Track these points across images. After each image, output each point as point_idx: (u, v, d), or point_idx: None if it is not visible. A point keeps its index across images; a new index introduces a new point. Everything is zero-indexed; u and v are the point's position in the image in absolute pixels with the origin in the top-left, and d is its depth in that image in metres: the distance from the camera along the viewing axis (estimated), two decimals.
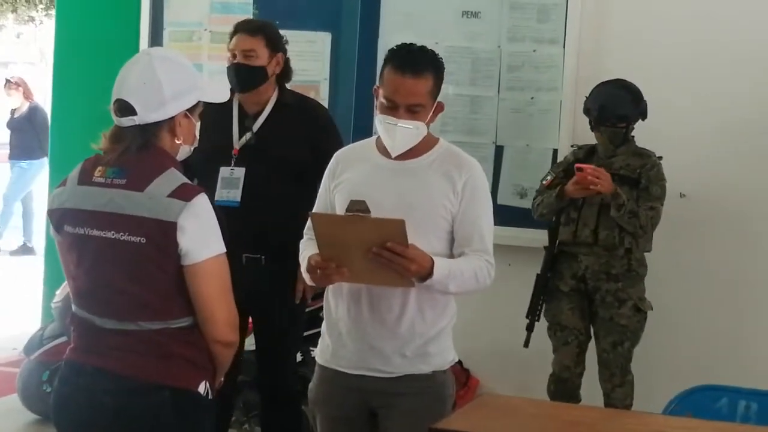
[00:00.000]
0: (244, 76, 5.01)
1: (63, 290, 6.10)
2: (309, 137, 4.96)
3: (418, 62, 3.62)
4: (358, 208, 3.45)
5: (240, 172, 5.00)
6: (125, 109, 3.22)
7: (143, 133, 3.22)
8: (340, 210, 3.67)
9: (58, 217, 3.29)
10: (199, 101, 3.33)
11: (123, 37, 6.65)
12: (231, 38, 5.08)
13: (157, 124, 3.24)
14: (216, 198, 4.98)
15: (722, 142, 5.79)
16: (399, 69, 3.60)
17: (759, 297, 5.82)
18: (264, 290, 4.96)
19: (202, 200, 3.20)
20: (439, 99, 3.73)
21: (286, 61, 5.10)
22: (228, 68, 5.05)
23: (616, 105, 5.38)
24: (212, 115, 5.11)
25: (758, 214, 5.80)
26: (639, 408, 5.22)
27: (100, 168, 3.24)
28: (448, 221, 3.66)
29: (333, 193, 3.77)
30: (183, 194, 3.17)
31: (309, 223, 3.78)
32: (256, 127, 5.04)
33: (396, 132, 3.63)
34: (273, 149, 4.95)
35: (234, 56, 5.02)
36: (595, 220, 5.33)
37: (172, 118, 3.25)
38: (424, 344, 3.70)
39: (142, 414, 3.18)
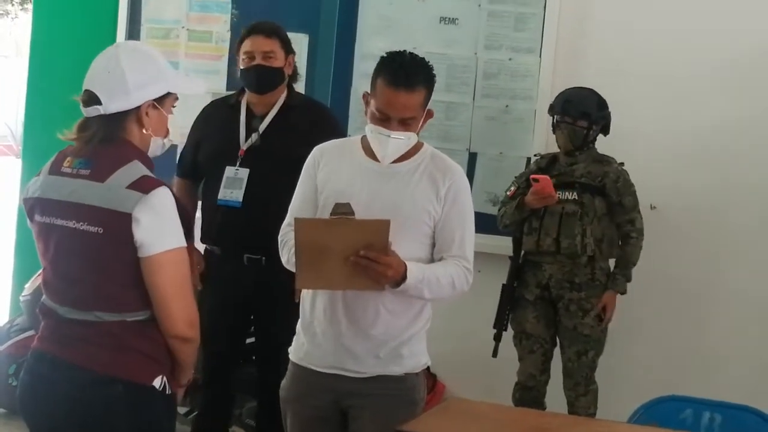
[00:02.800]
0: (265, 78, 5.09)
1: (32, 284, 6.09)
2: (314, 139, 4.97)
3: (411, 76, 3.60)
4: (343, 211, 3.47)
5: (244, 173, 5.05)
6: (90, 99, 3.24)
7: (108, 123, 3.24)
8: (323, 206, 3.68)
9: (30, 206, 3.32)
10: (169, 93, 3.33)
11: (100, 33, 6.63)
12: (242, 40, 5.13)
13: (123, 115, 3.25)
14: (219, 197, 5.05)
15: (694, 154, 5.82)
16: (392, 84, 3.59)
17: (724, 309, 5.84)
18: (265, 291, 4.99)
19: (161, 192, 3.19)
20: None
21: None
22: (245, 70, 5.10)
23: (580, 102, 5.43)
24: (221, 115, 5.22)
25: (724, 226, 5.83)
26: (602, 418, 5.24)
27: (68, 158, 3.26)
28: (430, 226, 3.68)
29: (316, 183, 3.76)
30: (141, 186, 3.17)
31: (289, 212, 3.82)
32: (261, 128, 5.10)
33: (389, 143, 3.63)
34: (277, 151, 4.98)
35: (252, 58, 5.06)
36: (556, 229, 5.38)
37: (138, 108, 3.26)
38: (397, 346, 3.72)
39: (96, 406, 3.19)
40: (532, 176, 5.34)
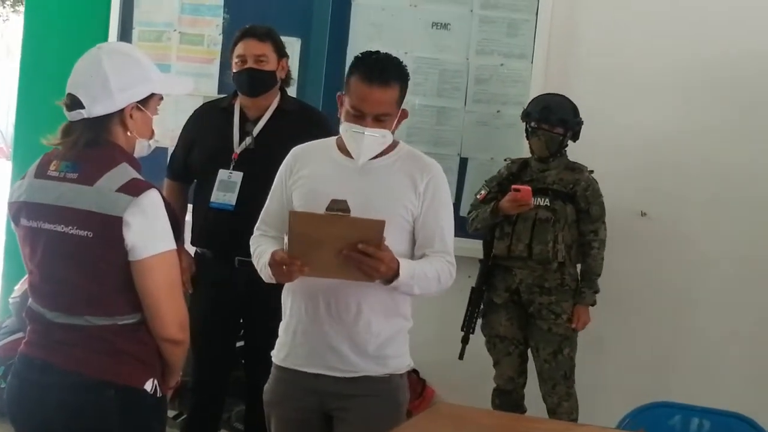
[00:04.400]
0: (257, 81, 5.10)
1: (21, 286, 6.08)
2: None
3: (385, 72, 3.63)
4: (339, 207, 3.46)
5: (237, 176, 5.06)
6: (74, 102, 3.22)
7: (92, 126, 3.22)
8: (299, 203, 3.71)
9: (15, 210, 3.30)
10: (153, 94, 3.31)
11: (92, 35, 6.60)
12: (235, 44, 5.15)
13: (107, 118, 3.23)
14: (212, 200, 5.07)
15: (684, 160, 5.84)
16: (366, 79, 3.61)
17: (713, 315, 5.86)
18: (255, 294, 5.00)
19: (151, 196, 3.18)
20: (403, 107, 3.75)
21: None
22: (237, 73, 5.13)
23: (559, 109, 5.45)
24: (213, 118, 5.23)
25: (712, 232, 5.84)
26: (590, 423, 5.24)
27: (54, 162, 3.24)
28: (409, 222, 3.69)
29: (291, 189, 3.78)
30: (131, 189, 3.15)
31: (262, 218, 3.85)
32: (255, 131, 5.11)
33: (363, 140, 3.64)
34: (271, 154, 4.98)
35: (244, 62, 5.08)
36: (529, 235, 5.39)
37: (122, 110, 3.24)
38: (381, 345, 3.72)
39: (87, 410, 3.18)
40: (513, 186, 5.34)
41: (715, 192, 5.81)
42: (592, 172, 5.47)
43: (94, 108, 3.21)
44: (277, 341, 3.86)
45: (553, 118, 5.42)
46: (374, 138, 3.65)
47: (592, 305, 5.42)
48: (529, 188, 5.31)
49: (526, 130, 5.52)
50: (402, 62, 3.73)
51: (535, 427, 3.95)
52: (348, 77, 3.68)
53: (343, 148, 3.75)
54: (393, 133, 3.72)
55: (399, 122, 3.74)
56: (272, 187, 3.90)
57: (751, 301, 5.80)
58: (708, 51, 5.78)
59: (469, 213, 5.59)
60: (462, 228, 5.71)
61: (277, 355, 3.85)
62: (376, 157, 3.71)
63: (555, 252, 5.37)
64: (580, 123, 5.48)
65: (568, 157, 5.52)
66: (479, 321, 5.58)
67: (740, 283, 5.81)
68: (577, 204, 5.41)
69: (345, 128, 3.69)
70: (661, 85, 5.83)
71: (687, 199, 5.84)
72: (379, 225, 3.40)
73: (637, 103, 5.85)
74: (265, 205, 3.90)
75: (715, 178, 5.81)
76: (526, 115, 5.52)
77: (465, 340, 5.55)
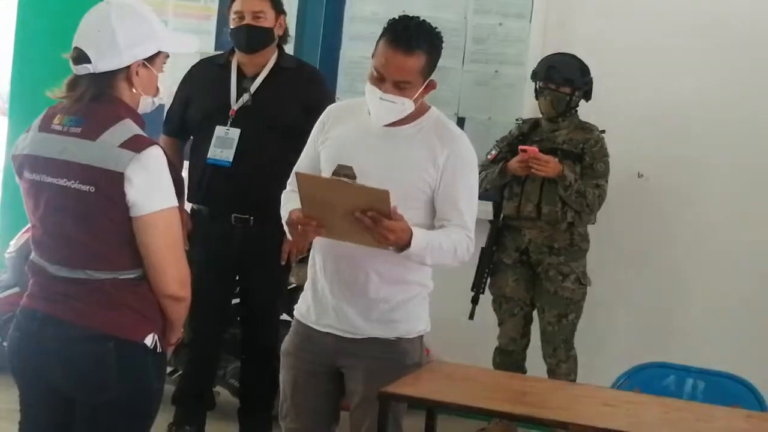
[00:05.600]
0: (254, 38, 5.10)
1: (17, 240, 6.06)
2: (304, 101, 4.98)
3: (412, 39, 3.56)
4: (345, 173, 3.46)
5: (235, 132, 5.06)
6: (80, 57, 3.20)
7: (98, 81, 3.21)
8: (324, 165, 3.68)
9: (18, 163, 3.30)
10: (160, 51, 3.30)
11: None
12: (232, 0, 5.15)
13: (113, 74, 3.22)
14: (209, 156, 5.07)
15: (680, 123, 5.83)
16: (392, 43, 3.56)
17: (708, 277, 5.87)
18: (251, 250, 5.01)
19: (153, 152, 3.17)
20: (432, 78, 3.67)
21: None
22: (235, 29, 5.12)
23: (564, 68, 5.43)
24: (211, 75, 5.23)
25: (708, 194, 5.85)
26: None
27: (59, 116, 3.24)
28: (426, 193, 3.64)
29: (319, 148, 3.75)
30: (134, 145, 3.14)
31: (293, 175, 3.77)
32: (253, 88, 5.11)
33: (380, 105, 3.60)
34: (268, 111, 4.99)
35: (241, 18, 5.08)
36: (538, 195, 5.39)
37: (128, 67, 3.23)
38: (389, 310, 3.71)
39: (86, 362, 3.18)
40: (520, 147, 5.33)
41: (710, 153, 5.81)
42: (603, 132, 5.45)
43: (101, 63, 3.20)
44: (302, 295, 3.87)
45: (558, 77, 5.40)
46: (391, 104, 3.59)
47: (561, 178, 5.28)
48: (536, 148, 5.29)
49: (535, 90, 5.50)
50: (438, 33, 3.66)
51: (529, 385, 3.96)
52: (379, 38, 3.62)
53: None
54: (416, 102, 3.64)
55: (425, 92, 3.67)
56: (307, 142, 3.85)
57: (746, 261, 5.80)
58: (705, 10, 5.77)
59: (479, 173, 5.56)
60: None
61: (298, 309, 3.86)
62: (402, 123, 3.66)
63: (564, 212, 5.36)
64: (588, 82, 5.46)
65: (580, 117, 5.49)
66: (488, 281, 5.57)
67: (736, 245, 5.81)
68: (583, 160, 5.39)
69: (367, 90, 3.64)
70: (662, 46, 5.81)
71: (686, 161, 5.85)
72: (384, 195, 3.37)
73: (637, 63, 5.83)
74: (299, 160, 3.85)
75: (712, 139, 5.81)
76: (533, 75, 5.51)
77: (475, 301, 5.56)
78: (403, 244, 3.47)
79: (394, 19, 3.66)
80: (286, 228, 3.65)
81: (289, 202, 3.72)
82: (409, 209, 3.51)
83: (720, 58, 5.77)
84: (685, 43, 5.79)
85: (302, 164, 3.81)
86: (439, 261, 3.63)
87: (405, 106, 3.61)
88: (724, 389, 4.17)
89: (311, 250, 3.84)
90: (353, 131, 3.70)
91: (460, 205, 3.66)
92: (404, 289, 3.74)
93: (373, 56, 3.64)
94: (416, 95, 3.62)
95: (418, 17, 3.66)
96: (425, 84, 3.64)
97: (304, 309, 3.82)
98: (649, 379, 4.22)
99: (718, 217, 5.85)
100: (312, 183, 3.49)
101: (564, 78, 5.41)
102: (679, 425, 3.53)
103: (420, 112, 3.69)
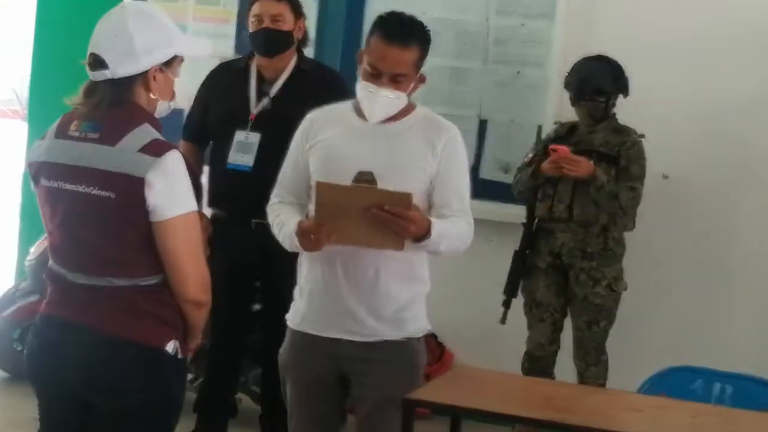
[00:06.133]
0: (273, 41, 5.09)
1: (37, 248, 6.07)
2: (324, 104, 4.95)
3: (405, 33, 3.64)
4: (366, 178, 3.49)
5: (255, 137, 5.06)
6: (97, 62, 3.19)
7: (116, 87, 3.19)
8: (316, 168, 3.70)
9: (35, 170, 3.28)
10: (176, 56, 3.28)
11: None
12: (251, 4, 5.15)
13: (130, 79, 3.20)
14: (228, 161, 5.07)
15: (708, 124, 5.79)
16: (386, 38, 3.62)
17: (738, 281, 5.82)
18: (271, 256, 4.97)
19: (173, 157, 3.16)
20: (422, 72, 3.73)
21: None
22: (254, 33, 5.11)
23: (596, 79, 5.37)
24: (230, 79, 5.22)
25: (738, 197, 5.80)
26: (613, 388, 5.22)
27: (75, 122, 3.22)
28: (425, 183, 3.67)
29: (307, 154, 3.77)
30: (154, 149, 3.13)
31: (278, 184, 3.85)
32: (273, 92, 5.10)
33: (377, 100, 3.65)
34: (289, 115, 4.95)
35: (260, 21, 5.07)
36: (570, 196, 5.34)
37: (146, 72, 3.21)
38: (398, 309, 3.71)
39: (107, 369, 3.16)
40: (551, 146, 5.29)
41: (741, 153, 5.76)
42: (642, 136, 5.39)
43: (119, 69, 3.19)
44: (292, 305, 3.86)
45: (591, 90, 5.36)
46: (388, 99, 3.65)
47: (593, 179, 5.23)
48: (567, 148, 5.24)
49: (570, 98, 5.45)
50: (425, 26, 3.73)
51: (554, 390, 3.94)
52: (369, 35, 3.69)
53: (360, 112, 3.75)
54: (409, 96, 3.71)
55: (416, 87, 3.74)
56: (288, 152, 3.87)
57: None
58: (732, 7, 5.72)
59: (515, 176, 5.54)
60: (481, 191, 5.69)
61: (293, 320, 3.84)
62: (393, 120, 3.71)
63: (597, 215, 5.31)
64: (623, 85, 5.40)
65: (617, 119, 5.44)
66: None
67: (765, 248, 5.76)
68: (619, 163, 5.34)
69: (361, 87, 3.69)
70: (684, 44, 5.77)
71: (712, 162, 5.79)
72: (407, 197, 3.42)
73: (661, 64, 5.78)
74: (281, 171, 3.89)
75: (742, 139, 5.76)
76: (566, 85, 5.46)
77: (507, 304, 5.52)
78: (422, 234, 3.49)
79: (382, 15, 3.73)
80: (295, 239, 3.63)
81: (283, 212, 3.75)
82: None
83: (749, 58, 5.71)
84: (709, 44, 5.74)
85: (287, 176, 3.85)
86: (450, 248, 3.66)
87: (400, 100, 3.68)
88: (753, 394, 4.14)
89: (299, 258, 3.81)
90: (342, 133, 3.74)
91: (460, 189, 3.72)
92: (411, 286, 3.75)
93: (363, 52, 3.70)
94: (410, 89, 3.68)
95: (404, 12, 3.73)
96: (417, 78, 3.70)
97: (299, 318, 3.81)
98: (675, 383, 4.19)
99: (751, 219, 5.80)
100: (332, 191, 3.50)
101: (597, 89, 5.36)
102: (706, 430, 3.50)
103: (408, 109, 3.75)
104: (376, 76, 3.63)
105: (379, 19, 3.71)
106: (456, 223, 3.64)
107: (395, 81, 3.63)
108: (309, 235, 3.54)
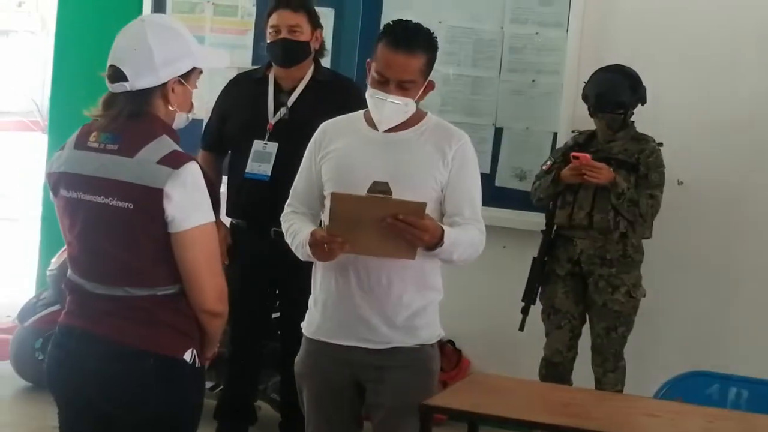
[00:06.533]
0: (290, 52, 5.13)
1: (58, 258, 6.11)
2: (341, 114, 4.98)
3: (412, 39, 3.66)
4: (380, 189, 3.49)
5: (273, 147, 5.09)
6: (117, 75, 3.21)
7: (135, 99, 3.21)
8: (328, 177, 3.74)
9: (54, 181, 3.31)
10: (194, 68, 3.30)
11: (126, 7, 6.61)
12: (269, 15, 5.18)
13: (149, 91, 3.22)
14: (246, 170, 5.10)
15: (723, 130, 5.77)
16: (393, 45, 3.64)
17: (754, 286, 5.81)
18: (290, 264, 5.00)
19: (191, 168, 3.18)
20: (432, 78, 3.76)
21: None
22: (271, 44, 5.15)
23: (614, 92, 5.38)
24: (248, 89, 5.25)
25: (754, 203, 5.79)
26: (630, 393, 5.22)
27: (94, 133, 3.24)
28: (437, 191, 3.70)
29: (320, 164, 3.80)
30: (172, 161, 3.15)
31: (292, 194, 3.88)
32: (290, 102, 5.14)
33: (385, 107, 3.68)
34: (306, 125, 4.98)
35: (278, 32, 5.10)
36: (590, 203, 5.35)
37: (165, 84, 3.23)
38: (411, 316, 3.73)
39: (126, 379, 3.18)
40: (572, 154, 5.30)
41: (756, 159, 5.75)
42: (660, 144, 5.40)
43: (138, 81, 3.21)
44: (307, 314, 3.88)
45: (610, 104, 5.37)
46: (396, 106, 3.67)
47: (613, 186, 5.25)
48: (588, 155, 5.26)
49: (588, 108, 5.46)
50: (432, 33, 3.75)
51: (571, 396, 3.95)
52: (377, 43, 3.71)
53: (371, 121, 3.77)
54: (417, 103, 3.73)
55: (425, 93, 3.76)
56: (301, 162, 3.90)
57: None
58: (745, 15, 5.72)
59: (533, 183, 5.56)
60: (497, 198, 5.71)
61: (308, 328, 3.87)
62: (403, 128, 3.73)
63: (616, 222, 5.32)
64: (641, 95, 5.41)
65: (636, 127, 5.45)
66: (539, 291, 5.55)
67: None
68: (638, 170, 5.36)
69: (369, 94, 3.72)
70: (698, 52, 5.76)
71: (727, 167, 5.79)
72: (421, 207, 3.44)
73: (675, 70, 5.79)
74: (295, 181, 3.92)
75: (756, 145, 5.75)
76: (584, 97, 5.47)
77: (525, 311, 5.52)
78: (435, 242, 3.51)
79: (388, 23, 3.76)
80: (307, 249, 3.65)
81: (297, 222, 3.78)
82: None
83: (763, 64, 5.71)
84: (722, 51, 5.74)
85: (300, 186, 3.88)
86: (463, 256, 3.68)
87: (409, 106, 3.70)
88: None
89: (313, 267, 3.84)
90: (353, 142, 3.77)
91: (472, 196, 3.74)
92: (424, 294, 3.76)
93: (371, 61, 3.72)
94: (418, 95, 3.70)
95: (410, 20, 3.75)
96: (425, 84, 3.72)
97: (314, 327, 3.83)
98: (691, 388, 4.20)
99: (765, 225, 5.78)
100: (347, 202, 3.52)
101: (614, 103, 5.37)
102: None
103: (418, 117, 3.77)
104: (383, 83, 3.66)
105: (386, 27, 3.74)
106: (468, 230, 3.66)
107: (403, 88, 3.65)
108: (322, 245, 3.56)
